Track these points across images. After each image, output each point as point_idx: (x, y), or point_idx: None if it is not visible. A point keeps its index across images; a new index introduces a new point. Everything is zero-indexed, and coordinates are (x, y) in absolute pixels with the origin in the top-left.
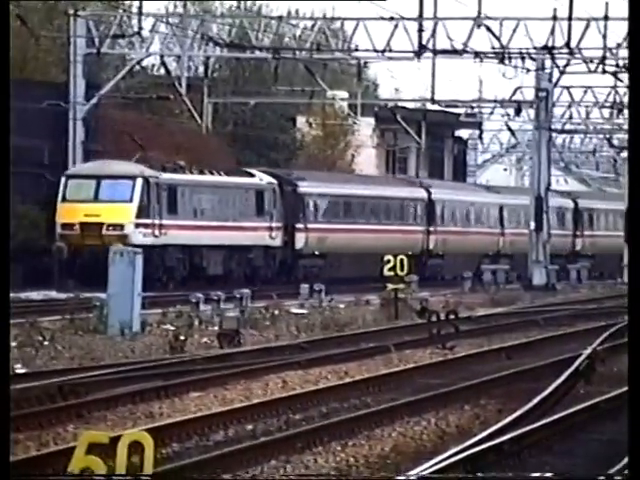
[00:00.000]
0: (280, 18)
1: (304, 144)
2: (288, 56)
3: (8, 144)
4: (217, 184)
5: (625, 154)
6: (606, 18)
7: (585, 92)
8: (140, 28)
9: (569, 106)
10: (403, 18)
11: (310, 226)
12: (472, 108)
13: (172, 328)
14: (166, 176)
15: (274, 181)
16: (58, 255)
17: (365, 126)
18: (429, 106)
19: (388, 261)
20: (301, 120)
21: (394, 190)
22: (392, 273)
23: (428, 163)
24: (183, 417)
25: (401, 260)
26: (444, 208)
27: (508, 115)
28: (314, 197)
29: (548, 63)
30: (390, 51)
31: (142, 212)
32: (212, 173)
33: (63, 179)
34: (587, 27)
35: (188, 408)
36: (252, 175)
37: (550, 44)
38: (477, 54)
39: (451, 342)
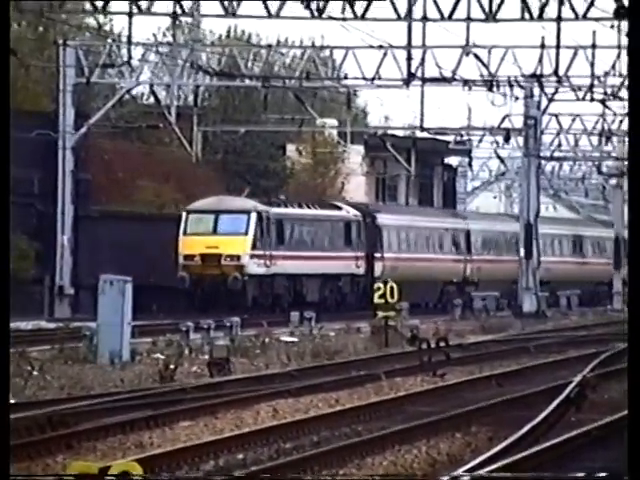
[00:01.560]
0: (269, 47)
1: (294, 172)
2: (278, 84)
3: (8, 157)
4: (315, 217)
5: (614, 181)
6: (594, 46)
7: (573, 120)
8: (130, 57)
9: (558, 134)
10: (392, 46)
11: (386, 255)
12: (461, 136)
13: (162, 357)
14: (275, 210)
15: (358, 213)
16: (181, 284)
17: (355, 154)
18: (418, 134)
19: (378, 288)
20: (291, 148)
21: (441, 220)
22: (382, 300)
23: (418, 191)
24: (173, 447)
25: (391, 287)
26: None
27: (497, 143)
28: (389, 228)
29: (536, 91)
30: (379, 79)
31: (256, 244)
32: (307, 206)
33: (184, 214)
34: (575, 55)
35: (178, 437)
36: (339, 208)
37: (538, 72)
38: (466, 82)
39: (442, 370)
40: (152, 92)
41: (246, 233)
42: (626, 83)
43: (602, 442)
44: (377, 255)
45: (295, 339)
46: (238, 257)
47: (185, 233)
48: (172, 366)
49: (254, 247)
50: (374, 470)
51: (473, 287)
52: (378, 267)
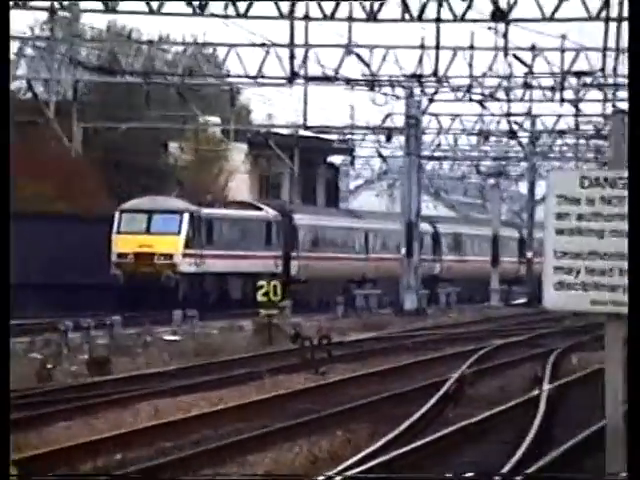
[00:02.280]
0: (151, 43)
1: (176, 170)
2: (159, 81)
3: (8, 146)
4: (240, 218)
5: (492, 181)
6: (472, 48)
7: (453, 120)
8: None
9: (438, 133)
10: (275, 45)
11: (301, 254)
12: (344, 134)
13: (40, 357)
14: (205, 211)
15: (277, 213)
16: (115, 281)
17: (238, 152)
18: (302, 132)
19: (261, 287)
20: (173, 145)
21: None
22: (265, 299)
23: (301, 189)
24: (51, 448)
25: (274, 286)
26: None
27: (379, 141)
28: (305, 228)
29: (417, 91)
30: (262, 77)
31: (188, 243)
32: (231, 207)
33: (117, 213)
34: (454, 56)
35: (56, 438)
36: (260, 208)
37: (419, 72)
38: (348, 81)
39: (324, 367)
40: (29, 87)
41: (179, 233)
42: (503, 84)
43: (479, 437)
44: (293, 254)
45: (177, 337)
46: (171, 256)
47: (118, 232)
48: (50, 366)
49: (187, 246)
50: (255, 469)
51: (371, 284)
52: (294, 266)
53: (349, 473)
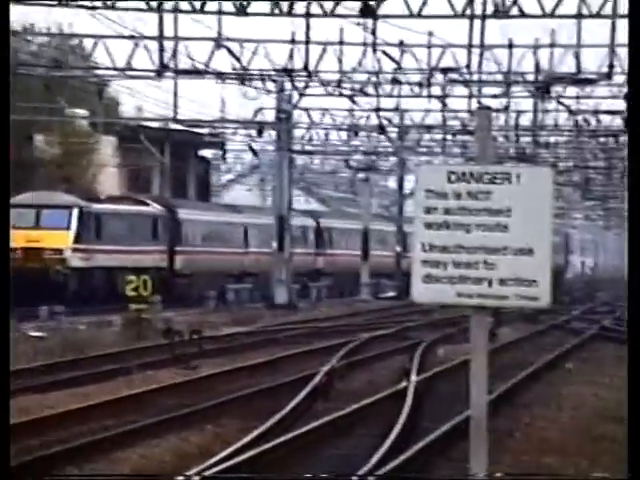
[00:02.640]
0: (14, 33)
1: (43, 163)
2: (24, 72)
3: (8, 157)
4: (128, 213)
5: (362, 175)
6: (341, 43)
7: (323, 114)
8: None
9: (309, 128)
10: (143, 37)
11: (185, 249)
12: (215, 128)
13: None
14: (94, 206)
15: (163, 209)
16: None
17: (107, 145)
18: (172, 125)
19: (131, 281)
20: (39, 138)
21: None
22: (135, 293)
23: (172, 183)
24: None
25: (144, 280)
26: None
27: (250, 136)
28: (188, 223)
29: (288, 85)
30: (131, 70)
31: (78, 238)
32: (119, 202)
33: None
34: (324, 51)
35: None
36: (147, 203)
37: (289, 67)
38: (219, 75)
39: (195, 362)
40: None
41: (68, 228)
42: (372, 79)
43: (347, 430)
44: (177, 249)
45: (43, 334)
46: (61, 251)
47: None
48: None
49: (76, 241)
50: (123, 465)
51: (251, 278)
52: (178, 260)
53: (218, 468)
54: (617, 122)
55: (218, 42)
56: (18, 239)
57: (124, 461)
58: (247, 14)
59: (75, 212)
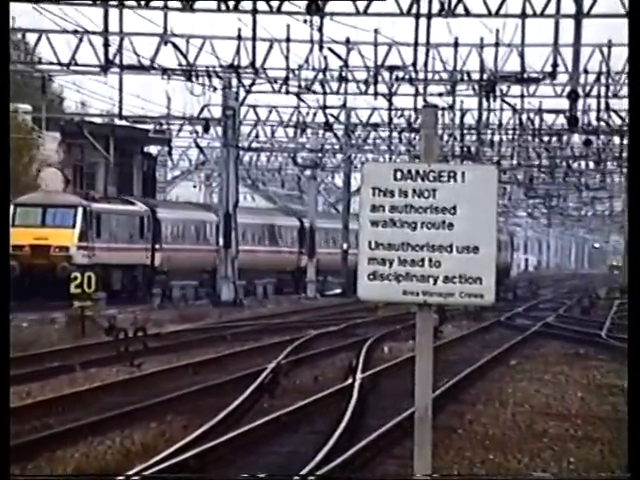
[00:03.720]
0: None
1: None
2: None
3: (8, 157)
4: (122, 212)
5: (308, 172)
6: (288, 40)
7: (270, 111)
8: None
9: (255, 125)
10: (88, 32)
11: (164, 247)
12: (161, 125)
13: None
14: (95, 205)
15: (147, 208)
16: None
17: (50, 140)
18: (117, 121)
19: (75, 278)
20: None
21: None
22: (79, 290)
23: (117, 179)
24: None
25: (89, 277)
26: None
27: (197, 132)
28: (166, 222)
29: (234, 82)
30: (75, 65)
31: (82, 236)
32: (111, 201)
33: (12, 207)
34: (271, 48)
35: None
36: (133, 203)
37: (236, 63)
38: (165, 70)
39: (139, 359)
40: None
41: (74, 226)
42: (319, 77)
43: (291, 427)
44: (157, 247)
45: None
46: (67, 248)
47: (14, 225)
48: None
49: (81, 239)
50: (65, 464)
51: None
52: (157, 258)
53: (162, 466)
54: (560, 121)
55: (164, 38)
56: (26, 236)
57: (66, 460)
58: (193, 10)
59: (80, 211)
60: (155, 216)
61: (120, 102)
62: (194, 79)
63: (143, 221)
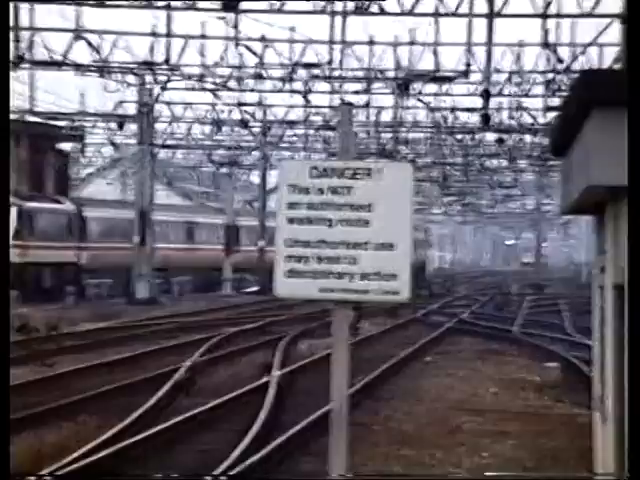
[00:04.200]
0: None
1: None
2: None
3: (8, 157)
4: (52, 210)
5: (225, 169)
6: (203, 37)
7: (186, 109)
8: None
9: (171, 122)
10: None
11: (90, 245)
12: (74, 121)
13: None
14: (27, 204)
15: (74, 206)
16: None
17: None
18: (29, 118)
19: None
20: None
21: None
22: None
23: (29, 176)
24: None
25: None
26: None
27: (111, 129)
28: (92, 220)
29: (149, 78)
30: None
31: (16, 235)
32: (36, 200)
33: None
34: (186, 44)
35: None
36: (60, 201)
37: (150, 60)
38: (77, 66)
39: (52, 359)
40: None
41: None
42: (235, 74)
43: (207, 425)
44: (83, 245)
45: None
46: None
47: None
48: None
49: (15, 238)
50: None
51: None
52: (84, 256)
53: (76, 466)
54: (474, 119)
55: (77, 33)
56: None
57: None
58: (105, 5)
59: (13, 210)
60: (81, 215)
61: (32, 98)
62: (108, 75)
63: (71, 220)
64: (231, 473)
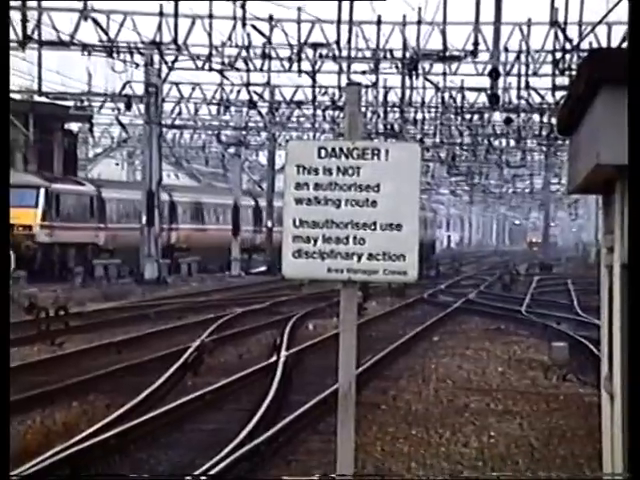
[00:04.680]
0: None
1: None
2: None
3: (8, 157)
4: (77, 192)
5: (232, 150)
6: (211, 17)
7: (193, 89)
8: None
9: (178, 102)
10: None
11: (108, 225)
12: (82, 101)
13: None
14: (54, 186)
15: (94, 188)
16: None
17: None
18: (37, 98)
19: None
20: None
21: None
22: None
23: (37, 157)
24: None
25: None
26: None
27: (119, 109)
28: (112, 201)
29: (157, 58)
30: None
31: (45, 216)
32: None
33: None
34: (193, 24)
35: None
36: (82, 183)
37: (158, 40)
38: (85, 47)
39: (61, 338)
40: None
41: (36, 206)
42: (243, 54)
43: (215, 404)
44: (101, 226)
45: None
46: (30, 227)
47: None
48: None
49: (43, 219)
50: None
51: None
52: (102, 237)
53: (84, 445)
54: (482, 99)
55: (84, 13)
56: None
57: None
58: None
59: (42, 192)
60: (100, 196)
61: (39, 78)
62: (115, 55)
63: (93, 201)
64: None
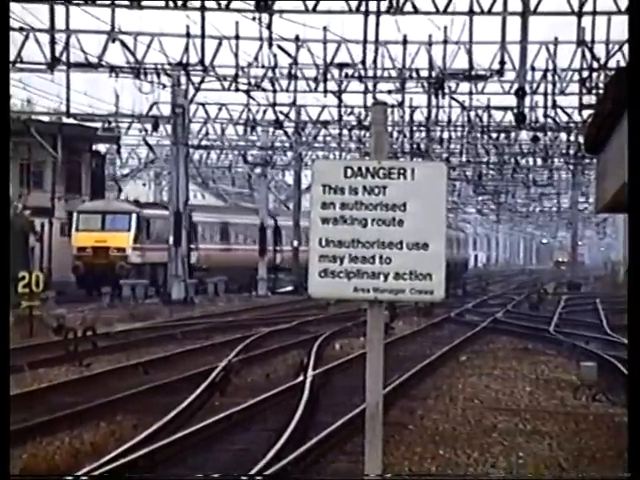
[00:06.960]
0: None
1: None
2: None
3: (8, 157)
4: (162, 216)
5: (258, 170)
6: (237, 37)
7: (220, 109)
8: None
9: (205, 122)
10: (34, 29)
11: (200, 246)
12: (109, 123)
13: None
14: (144, 211)
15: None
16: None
17: None
18: (65, 119)
19: (23, 277)
20: None
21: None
22: (27, 290)
23: (65, 178)
24: None
25: (37, 277)
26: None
27: (146, 130)
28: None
29: (183, 79)
30: (21, 62)
31: (136, 239)
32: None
33: (75, 214)
34: (220, 45)
35: None
36: (166, 207)
37: (185, 61)
38: (112, 68)
39: (88, 359)
40: None
41: (129, 230)
42: (269, 74)
43: (243, 425)
44: (192, 246)
45: None
46: (124, 249)
47: (77, 229)
48: None
49: (135, 241)
50: (13, 464)
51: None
52: (194, 256)
53: (114, 465)
54: (508, 118)
55: (111, 35)
56: (88, 240)
57: (14, 460)
58: (141, 7)
59: (134, 217)
60: (191, 219)
61: (67, 100)
62: (142, 77)
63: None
64: (263, 473)
